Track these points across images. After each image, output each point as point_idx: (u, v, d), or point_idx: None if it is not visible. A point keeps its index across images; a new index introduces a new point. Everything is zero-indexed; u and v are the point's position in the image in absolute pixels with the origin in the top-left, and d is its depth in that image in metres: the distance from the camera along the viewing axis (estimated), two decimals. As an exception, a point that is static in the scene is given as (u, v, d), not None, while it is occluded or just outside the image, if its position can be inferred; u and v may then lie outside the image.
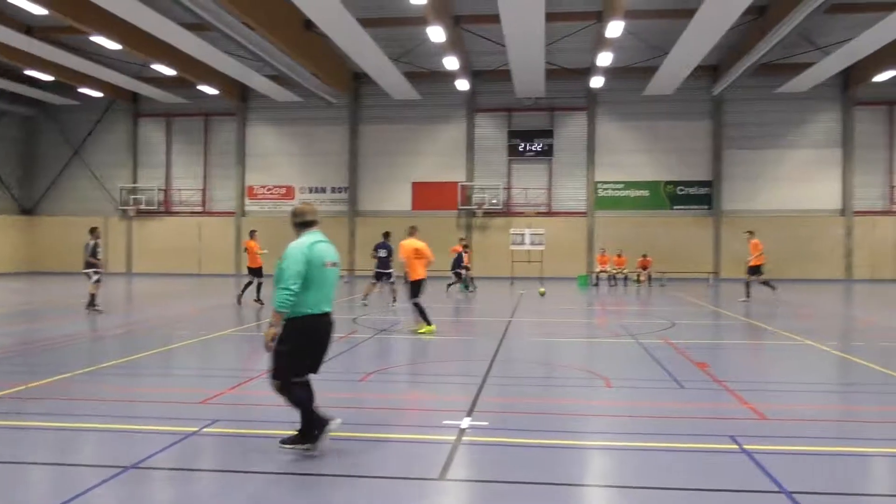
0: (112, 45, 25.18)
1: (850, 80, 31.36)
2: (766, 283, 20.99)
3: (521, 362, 10.39)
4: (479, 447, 5.95)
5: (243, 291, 19.07)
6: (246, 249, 19.55)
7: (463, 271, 24.47)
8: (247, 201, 35.50)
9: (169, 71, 28.75)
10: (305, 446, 5.60)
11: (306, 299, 5.53)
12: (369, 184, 34.68)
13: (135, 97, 35.52)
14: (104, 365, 9.70)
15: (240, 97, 34.69)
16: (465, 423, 6.53)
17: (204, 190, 35.90)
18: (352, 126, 34.58)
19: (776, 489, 4.83)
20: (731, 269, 32.23)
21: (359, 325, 14.39)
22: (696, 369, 9.50)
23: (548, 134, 33.62)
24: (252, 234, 19.73)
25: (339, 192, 34.84)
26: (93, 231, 16.92)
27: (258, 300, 18.43)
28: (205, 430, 6.36)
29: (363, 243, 33.94)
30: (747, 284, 20.85)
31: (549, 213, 33.57)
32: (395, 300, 18.95)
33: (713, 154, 32.96)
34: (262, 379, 8.85)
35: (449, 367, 9.96)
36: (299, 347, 5.58)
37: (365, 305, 18.75)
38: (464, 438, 6.08)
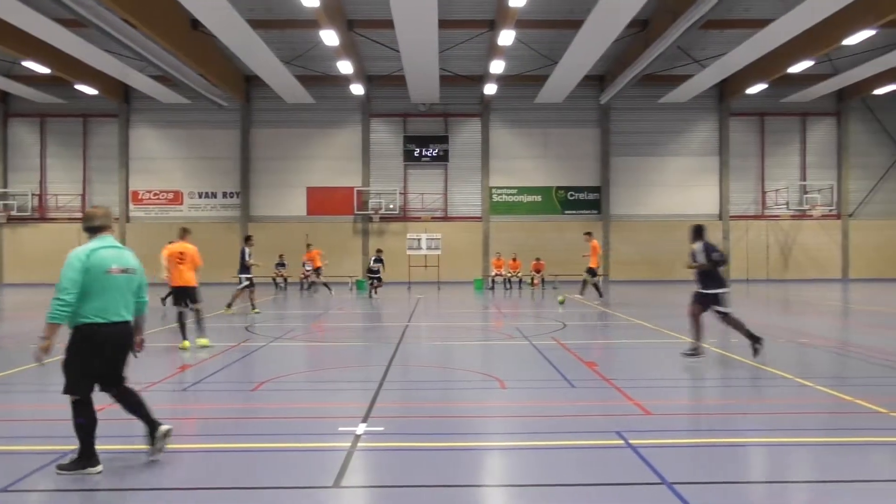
0: (-22, 39, 23.50)
1: (725, 92, 33.45)
2: (595, 286, 21.54)
3: (418, 366, 10.43)
4: (374, 452, 5.92)
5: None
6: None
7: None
8: (131, 207, 33.93)
9: (42, 69, 27.09)
10: (86, 469, 5.33)
11: (88, 308, 5.30)
12: (263, 189, 33.92)
13: (4, 96, 33.27)
14: (-30, 382, 9.01)
15: (122, 98, 33.14)
16: (361, 428, 6.49)
17: (84, 195, 34.04)
18: (244, 129, 33.73)
19: (658, 481, 5.07)
20: (618, 271, 33.70)
21: (252, 333, 14.04)
22: (586, 368, 9.84)
23: (443, 140, 33.98)
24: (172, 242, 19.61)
25: (231, 196, 33.89)
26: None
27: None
28: (84, 447, 6.01)
29: (257, 249, 33.12)
30: (584, 283, 21.73)
31: (446, 218, 33.92)
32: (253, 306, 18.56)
33: (601, 161, 34.30)
34: (148, 391, 8.49)
35: (345, 374, 9.87)
36: (83, 359, 5.36)
37: (257, 313, 18.31)
38: (359, 444, 6.04)
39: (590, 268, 21.32)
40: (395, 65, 28.92)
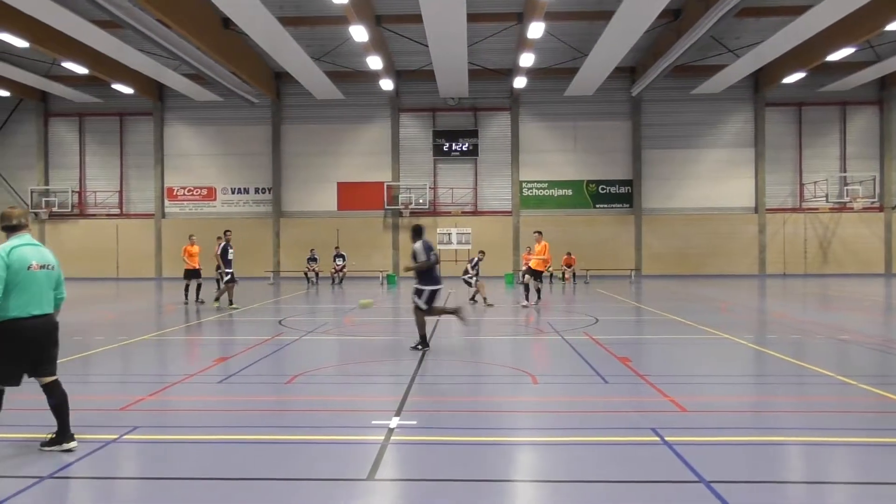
0: (19, 42, 23.99)
1: (761, 82, 32.85)
2: (538, 290, 19.29)
3: (449, 361, 10.44)
4: (407, 446, 5.95)
5: (186, 293, 19.86)
6: (184, 252, 20.25)
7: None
8: (166, 203, 34.46)
9: (81, 69, 27.61)
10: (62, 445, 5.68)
11: (10, 303, 5.51)
12: (294, 184, 34.20)
13: (44, 96, 34.00)
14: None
15: (156, 96, 33.64)
16: (394, 422, 6.53)
17: (121, 192, 34.66)
18: (275, 126, 34.03)
19: (695, 479, 5.01)
20: (651, 266, 33.35)
21: (285, 328, 14.17)
22: (620, 364, 9.77)
23: (472, 134, 33.92)
24: (191, 238, 20.53)
25: (263, 192, 34.23)
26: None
27: (199, 301, 19.54)
28: (126, 436, 6.14)
29: (288, 244, 33.50)
30: (527, 287, 19.21)
31: (476, 213, 33.87)
32: (231, 301, 18.70)
33: (633, 154, 33.94)
34: (187, 383, 8.63)
35: (377, 368, 9.92)
36: (6, 351, 5.53)
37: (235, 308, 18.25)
38: (392, 438, 6.07)
39: (532, 269, 18.87)
40: (424, 59, 28.92)
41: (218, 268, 18.49)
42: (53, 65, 29.48)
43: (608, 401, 7.62)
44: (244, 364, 9.94)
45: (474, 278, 19.89)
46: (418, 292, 10.97)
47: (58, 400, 5.82)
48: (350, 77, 31.87)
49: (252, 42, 25.95)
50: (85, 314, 17.76)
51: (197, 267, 19.88)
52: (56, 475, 5.17)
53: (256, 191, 34.26)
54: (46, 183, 34.70)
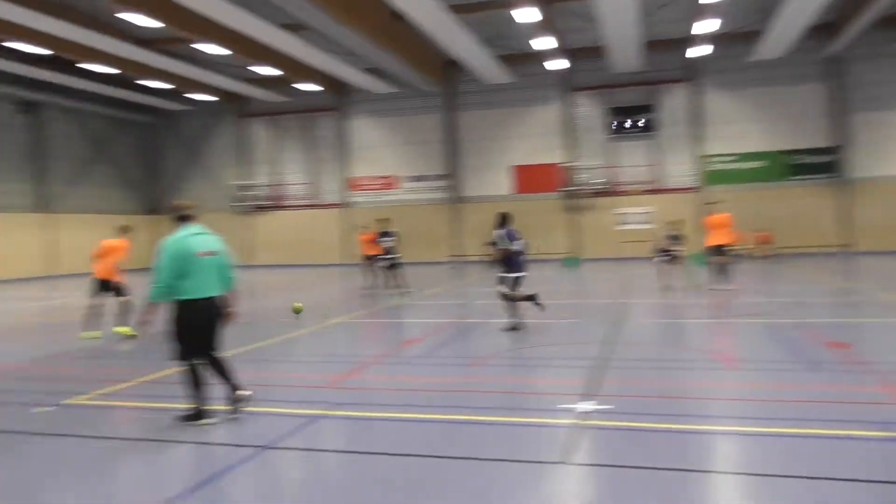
0: (219, 50, 26.29)
1: None
2: (724, 269, 16.57)
3: (639, 344, 10.14)
4: (600, 431, 5.85)
5: (370, 280, 20.05)
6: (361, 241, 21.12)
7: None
8: (351, 193, 36.35)
9: (272, 72, 29.74)
10: (198, 422, 6.20)
11: (184, 286, 6.16)
12: (470, 170, 34.74)
13: (241, 99, 37.00)
14: (235, 352, 10.17)
15: (339, 92, 35.48)
16: (585, 406, 6.44)
17: (311, 184, 37.04)
18: (448, 113, 34.71)
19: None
20: (866, 241, 30.09)
21: (469, 310, 14.46)
22: (828, 350, 8.98)
23: (649, 109, 32.57)
24: (363, 228, 21.49)
25: (441, 179, 35.09)
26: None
27: (399, 288, 19.08)
28: (331, 412, 6.56)
29: (467, 230, 34.14)
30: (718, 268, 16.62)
31: (656, 191, 32.56)
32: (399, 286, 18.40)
33: (834, 118, 30.93)
34: (381, 364, 9.07)
35: (562, 351, 9.85)
36: (185, 330, 6.20)
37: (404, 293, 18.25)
38: (584, 422, 5.99)
39: (716, 246, 16.57)
40: (595, 35, 28.14)
41: (372, 256, 18.79)
42: (248, 69, 32.00)
43: (817, 389, 7.02)
44: (432, 346, 10.27)
45: (669, 257, 17.70)
46: (502, 279, 11.19)
47: (198, 380, 6.36)
48: (519, 59, 31.74)
49: (421, 32, 26.61)
50: (286, 299, 19.15)
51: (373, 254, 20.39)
52: (273, 446, 5.63)
53: (434, 178, 35.23)
54: (246, 178, 37.86)
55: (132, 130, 38.08)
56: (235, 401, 6.41)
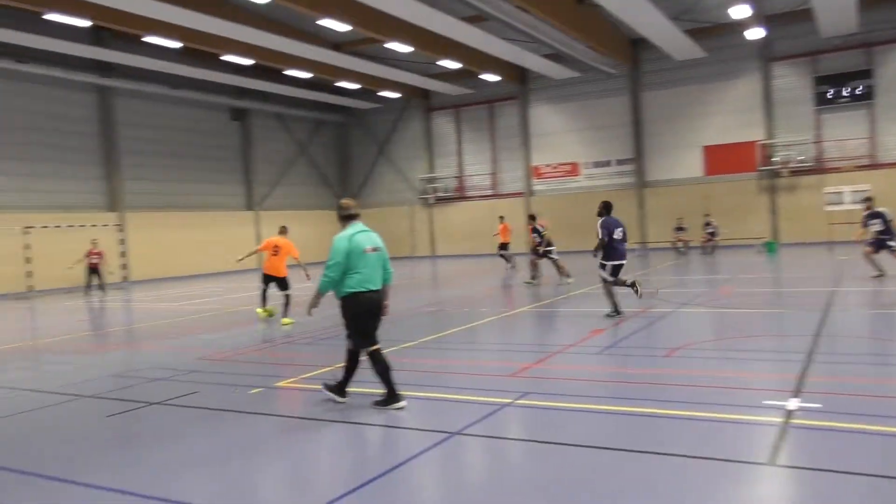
0: (405, 48, 27.28)
1: None
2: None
3: (848, 337, 9.19)
4: (804, 431, 5.35)
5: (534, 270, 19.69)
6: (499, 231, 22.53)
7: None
8: (533, 181, 36.30)
9: (454, 65, 30.38)
10: (389, 406, 6.52)
11: (350, 280, 6.55)
12: (656, 153, 33.34)
13: (426, 94, 38.16)
14: (420, 341, 10.55)
15: (520, 80, 35.48)
16: (792, 403, 5.92)
17: (493, 174, 37.47)
18: (633, 94, 33.50)
19: None
20: None
21: (658, 300, 13.90)
22: None
23: (865, 74, 29.29)
24: (501, 218, 23.10)
25: (625, 163, 34.03)
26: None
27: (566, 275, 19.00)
28: (518, 401, 6.57)
29: (654, 215, 32.87)
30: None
31: (873, 167, 29.30)
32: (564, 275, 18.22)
33: None
34: (567, 353, 8.95)
35: (763, 343, 9.15)
36: (354, 320, 6.65)
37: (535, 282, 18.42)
38: (786, 420, 5.51)
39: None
40: (799, -1, 25.76)
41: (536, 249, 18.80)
42: (432, 64, 32.91)
43: None
44: (620, 336, 9.98)
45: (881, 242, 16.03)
46: (602, 266, 11.65)
47: (382, 367, 6.63)
48: (711, 32, 29.86)
49: (606, 13, 25.83)
50: (469, 288, 19.55)
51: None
52: (462, 432, 5.74)
53: (618, 162, 34.23)
54: (431, 171, 39.09)
55: (327, 131, 40.69)
56: (389, 406, 6.61)
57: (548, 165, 35.90)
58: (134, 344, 12.55)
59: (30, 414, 7.23)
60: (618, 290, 11.83)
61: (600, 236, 11.54)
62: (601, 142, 34.53)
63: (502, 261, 25.65)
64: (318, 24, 24.77)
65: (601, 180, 34.55)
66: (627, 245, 11.93)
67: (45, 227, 24.36)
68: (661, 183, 33.06)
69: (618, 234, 11.59)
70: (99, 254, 23.46)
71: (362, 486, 4.71)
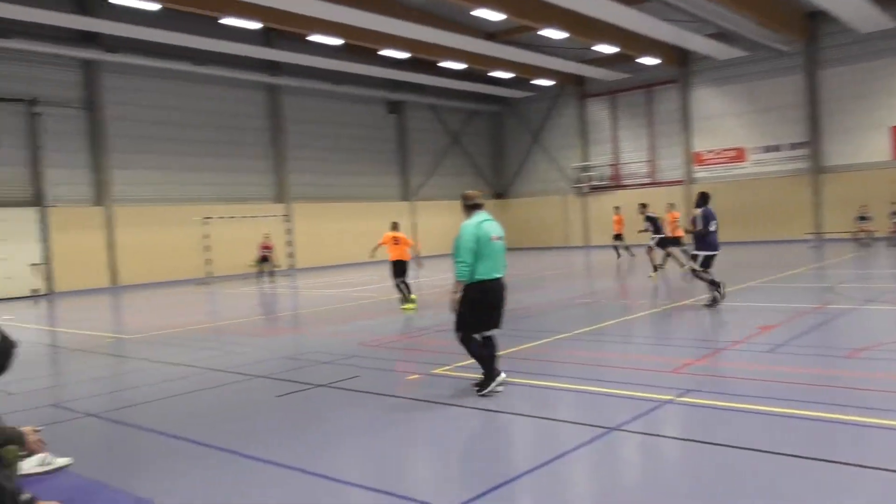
0: (559, 34, 26.85)
1: None
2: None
3: None
4: None
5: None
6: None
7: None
8: (694, 168, 34.60)
9: (610, 49, 29.51)
10: (490, 387, 6.71)
11: (478, 268, 6.70)
12: (835, 135, 30.64)
13: (580, 80, 37.40)
14: (575, 331, 10.36)
15: (680, 63, 33.86)
16: None
17: (650, 161, 36.13)
18: (808, 73, 30.95)
19: None
20: None
21: (836, 295, 12.79)
22: None
23: None
24: (616, 209, 22.88)
25: (797, 147, 31.58)
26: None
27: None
28: (680, 398, 6.27)
29: (832, 203, 30.30)
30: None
31: None
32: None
33: None
34: (733, 350, 8.44)
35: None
36: (475, 308, 6.76)
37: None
38: None
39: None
40: None
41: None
42: (587, 50, 32.17)
43: None
44: (792, 334, 9.27)
45: None
46: (695, 256, 12.03)
47: (491, 351, 6.88)
48: (902, 0, 26.96)
49: (780, -14, 24.05)
50: (626, 280, 19.00)
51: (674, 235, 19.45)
52: (621, 428, 5.55)
53: (790, 146, 31.82)
54: (585, 159, 38.29)
55: (480, 120, 40.98)
56: (492, 384, 6.76)
57: (710, 151, 34.08)
58: (301, 328, 13.30)
59: (210, 391, 7.84)
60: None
61: (699, 226, 11.83)
62: (770, 125, 32.26)
63: (626, 253, 25.41)
64: (471, 15, 24.91)
65: (770, 166, 32.32)
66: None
67: (222, 217, 26.38)
68: (841, 168, 30.38)
69: (713, 226, 11.83)
70: (269, 247, 25.16)
71: (516, 478, 4.67)
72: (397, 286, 14.43)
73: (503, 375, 6.87)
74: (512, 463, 5.08)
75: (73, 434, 6.24)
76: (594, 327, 10.76)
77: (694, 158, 34.54)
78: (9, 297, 22.08)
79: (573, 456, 5.05)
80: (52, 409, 7.24)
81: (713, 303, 11.85)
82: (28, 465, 4.78)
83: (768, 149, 32.38)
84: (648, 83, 35.59)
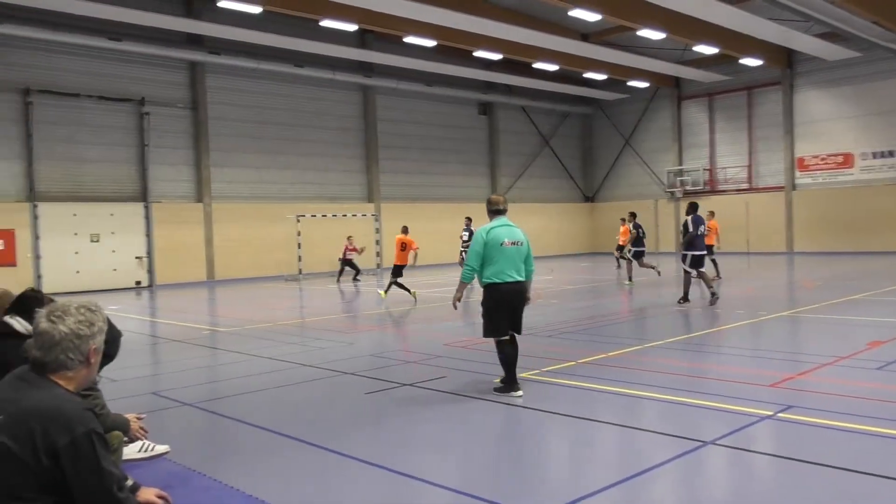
0: (656, 35, 26.14)
1: None
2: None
3: None
4: None
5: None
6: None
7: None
8: (797, 174, 33.02)
9: (710, 50, 28.53)
10: (510, 394, 6.85)
11: (488, 271, 6.97)
12: (953, 140, 28.60)
13: (677, 82, 36.35)
14: (667, 339, 10.03)
15: (784, 64, 32.39)
16: None
17: (749, 166, 34.71)
18: (927, 74, 29.02)
19: None
20: None
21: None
22: None
23: None
24: (623, 220, 22.00)
25: (913, 154, 29.65)
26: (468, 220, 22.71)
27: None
28: (779, 414, 5.94)
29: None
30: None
31: None
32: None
33: None
34: (838, 366, 7.96)
35: None
36: (492, 311, 7.01)
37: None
38: None
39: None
40: None
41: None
42: (685, 50, 31.22)
43: None
44: (905, 350, 8.65)
45: None
46: (684, 257, 13.93)
47: (507, 357, 6.98)
48: None
49: (898, -19, 22.61)
50: (721, 288, 18.27)
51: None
52: (715, 442, 5.30)
53: (904, 152, 29.93)
54: (680, 163, 37.14)
55: (571, 122, 40.43)
56: (505, 392, 6.95)
57: (814, 157, 32.45)
58: (387, 327, 13.45)
59: (299, 386, 8.00)
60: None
61: (691, 230, 13.69)
62: (883, 129, 30.43)
63: (709, 263, 23.88)
64: (566, 16, 24.59)
65: (882, 172, 30.50)
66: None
67: (313, 216, 27.02)
68: (961, 176, 28.32)
69: (702, 230, 13.83)
70: (354, 249, 25.31)
71: (601, 490, 4.51)
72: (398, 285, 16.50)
73: (520, 394, 6.89)
74: (597, 474, 4.92)
75: (170, 422, 6.48)
76: (687, 336, 10.39)
77: (797, 164, 32.97)
78: (115, 288, 23.34)
79: (663, 469, 4.85)
80: (151, 398, 7.55)
81: (685, 300, 13.82)
82: (130, 451, 5.00)
83: (878, 155, 30.56)
84: (749, 85, 34.23)
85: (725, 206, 35.01)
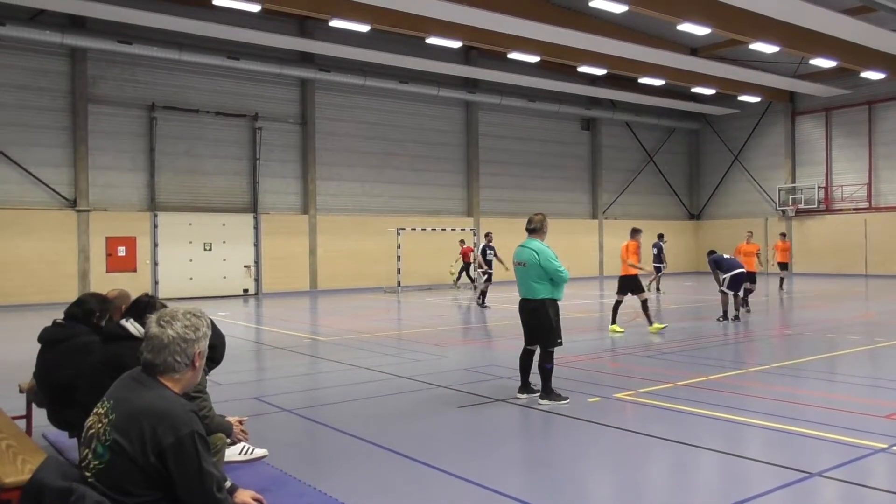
0: (769, 48, 25.14)
1: None
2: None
3: None
4: None
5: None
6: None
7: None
8: (923, 194, 30.85)
9: (828, 63, 27.18)
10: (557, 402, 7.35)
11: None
12: None
13: (791, 96, 34.80)
14: (774, 364, 9.61)
15: (909, 77, 30.42)
16: None
17: (869, 184, 32.73)
18: None
19: None
20: None
21: None
22: None
23: None
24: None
25: None
26: (487, 235, 21.58)
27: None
28: (893, 448, 5.59)
29: None
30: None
31: None
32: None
33: None
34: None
35: None
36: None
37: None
38: None
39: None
40: None
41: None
42: (800, 64, 29.86)
43: None
44: None
45: None
46: (723, 280, 15.05)
47: (523, 364, 7.74)
48: None
49: None
50: (835, 312, 17.32)
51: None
52: (823, 474, 5.04)
53: None
54: (793, 181, 35.42)
55: (676, 138, 39.34)
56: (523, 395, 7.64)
57: (944, 174, 30.23)
58: (483, 341, 13.50)
59: (394, 397, 8.15)
60: None
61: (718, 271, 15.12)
62: None
63: (858, 282, 22.92)
64: (674, 30, 24.06)
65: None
66: None
67: (414, 229, 27.48)
68: None
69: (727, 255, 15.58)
70: (470, 249, 25.75)
71: (701, 514, 4.39)
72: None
73: (524, 398, 7.59)
74: (697, 502, 4.78)
75: (270, 427, 6.75)
76: (794, 361, 9.91)
77: (923, 182, 30.81)
78: (225, 295, 24.52)
79: (766, 498, 4.66)
80: (253, 402, 7.88)
81: (723, 318, 14.76)
82: (231, 453, 5.26)
83: None
84: (870, 99, 32.36)
85: (842, 225, 33.19)
